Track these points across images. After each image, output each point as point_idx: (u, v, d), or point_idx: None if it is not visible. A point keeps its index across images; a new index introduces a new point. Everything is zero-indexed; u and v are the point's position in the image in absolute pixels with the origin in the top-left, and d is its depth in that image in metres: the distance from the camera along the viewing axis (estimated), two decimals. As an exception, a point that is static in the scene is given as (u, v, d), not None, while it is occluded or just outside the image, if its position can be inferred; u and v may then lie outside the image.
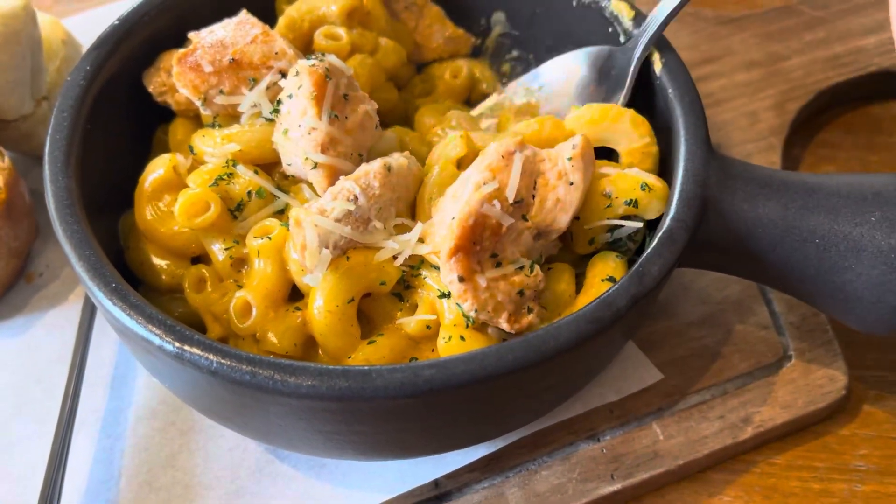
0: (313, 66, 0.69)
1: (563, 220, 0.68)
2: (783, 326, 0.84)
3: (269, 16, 0.86)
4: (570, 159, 0.67)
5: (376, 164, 0.67)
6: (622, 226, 0.69)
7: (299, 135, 0.69)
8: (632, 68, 0.76)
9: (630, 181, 0.69)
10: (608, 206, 0.69)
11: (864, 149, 1.03)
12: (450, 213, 0.64)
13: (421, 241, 0.66)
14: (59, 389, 0.78)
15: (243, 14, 0.78)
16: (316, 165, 0.67)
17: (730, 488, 0.78)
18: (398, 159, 0.69)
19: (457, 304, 0.63)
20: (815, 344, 0.82)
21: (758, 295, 0.85)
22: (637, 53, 0.75)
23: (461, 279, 0.62)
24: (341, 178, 0.67)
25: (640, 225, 0.69)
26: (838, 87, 1.03)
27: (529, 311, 0.65)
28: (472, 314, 0.63)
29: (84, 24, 1.04)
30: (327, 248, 0.64)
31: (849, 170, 1.01)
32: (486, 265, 0.63)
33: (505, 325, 0.63)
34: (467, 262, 0.62)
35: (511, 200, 0.64)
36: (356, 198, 0.65)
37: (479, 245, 0.63)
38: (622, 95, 0.76)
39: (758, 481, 0.78)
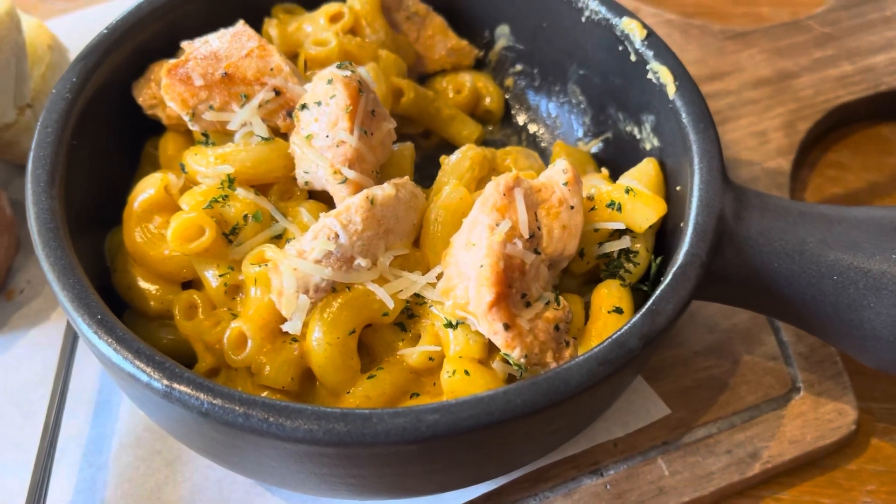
0: (348, 77, 0.67)
1: (572, 246, 0.66)
2: (792, 357, 0.81)
3: (261, 28, 0.82)
4: (565, 184, 0.66)
5: (357, 199, 0.64)
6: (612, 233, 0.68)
7: (326, 145, 0.66)
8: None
9: (614, 187, 0.69)
10: (591, 209, 0.69)
11: (873, 170, 1.01)
12: (467, 262, 0.61)
13: (430, 285, 0.64)
14: (38, 413, 0.75)
15: (240, 25, 0.75)
16: (346, 180, 0.65)
17: (735, 525, 0.76)
18: (385, 189, 0.66)
19: (504, 354, 0.61)
20: (824, 376, 0.80)
21: (766, 324, 0.83)
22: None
23: (507, 327, 0.59)
24: (322, 214, 0.65)
25: (628, 243, 0.67)
26: (848, 107, 1.01)
27: (567, 344, 0.63)
28: (523, 361, 0.60)
29: (70, 26, 1.00)
30: (306, 293, 0.61)
31: (856, 190, 0.99)
32: (519, 307, 0.61)
33: (552, 364, 0.61)
34: (507, 308, 0.60)
35: (526, 236, 0.61)
36: (337, 236, 0.62)
37: (514, 287, 0.60)
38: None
39: (764, 517, 0.76)
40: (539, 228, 0.63)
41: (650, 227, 0.69)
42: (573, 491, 0.73)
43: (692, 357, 0.81)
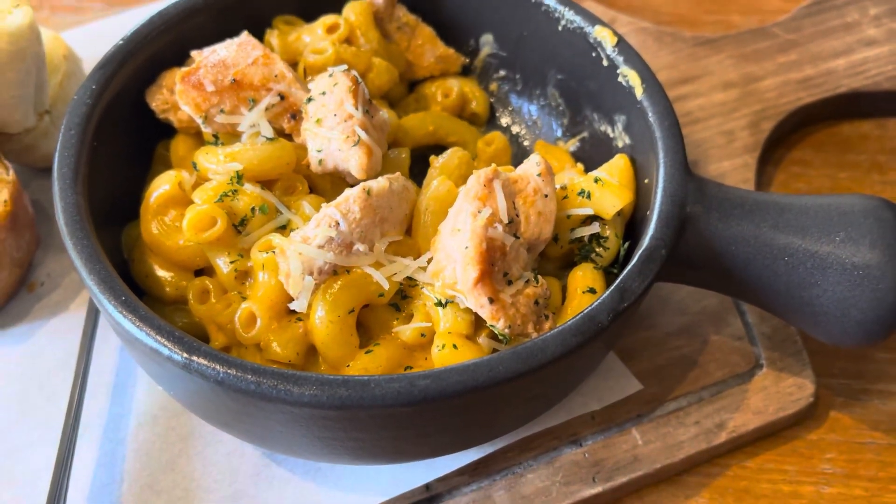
0: (346, 69, 0.78)
1: (547, 230, 0.73)
2: (756, 337, 0.88)
3: (263, 38, 0.89)
4: (539, 175, 0.73)
5: (356, 190, 0.71)
6: (584, 220, 0.75)
7: (335, 122, 0.75)
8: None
9: (585, 178, 0.76)
10: (564, 198, 0.76)
11: (835, 166, 1.08)
12: (453, 246, 0.68)
13: (421, 268, 0.71)
14: (61, 396, 0.81)
15: (245, 35, 0.82)
16: (359, 140, 0.73)
17: (705, 491, 0.82)
18: (379, 182, 0.73)
19: (490, 325, 0.67)
20: (785, 354, 0.87)
21: (732, 307, 0.90)
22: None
23: (491, 301, 0.66)
24: (323, 205, 0.71)
25: (598, 229, 0.74)
26: (810, 107, 1.08)
27: (546, 318, 0.69)
28: (507, 331, 0.67)
29: (82, 38, 1.07)
30: (311, 274, 0.67)
31: (819, 186, 1.06)
32: (502, 284, 0.68)
33: (533, 334, 0.68)
34: (491, 284, 0.67)
35: (505, 221, 0.68)
36: (338, 223, 0.68)
37: (496, 266, 0.67)
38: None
39: (731, 484, 0.83)
40: (517, 215, 0.70)
41: (618, 214, 0.76)
42: (555, 459, 0.80)
43: (665, 338, 0.88)
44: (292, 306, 0.68)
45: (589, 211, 0.74)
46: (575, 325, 0.64)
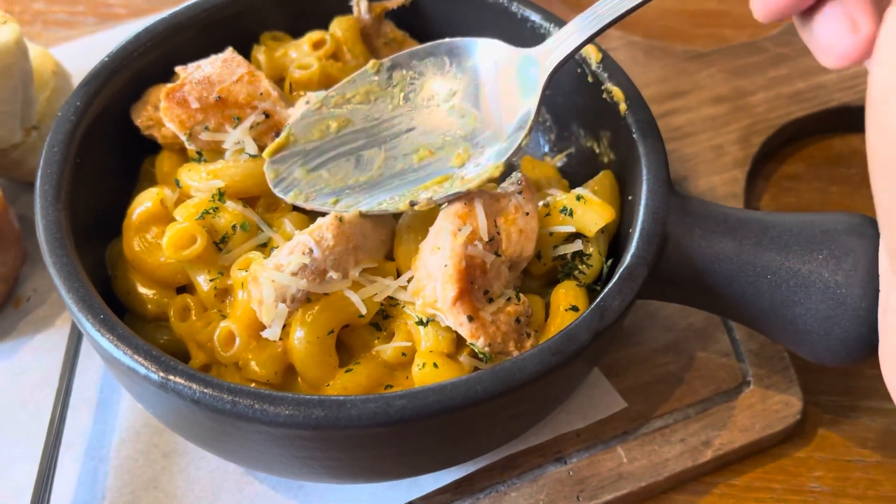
0: None
1: (529, 248, 0.73)
2: (743, 354, 0.88)
3: (250, 54, 0.89)
4: (520, 194, 0.73)
5: (328, 218, 0.71)
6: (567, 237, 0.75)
7: None
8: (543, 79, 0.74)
9: (567, 196, 0.76)
10: (546, 215, 0.75)
11: (825, 181, 1.07)
12: (434, 264, 0.68)
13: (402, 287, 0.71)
14: (44, 412, 0.81)
15: (229, 52, 0.82)
16: None
17: (691, 509, 0.82)
18: (350, 211, 0.72)
19: (470, 344, 0.67)
20: (772, 371, 0.86)
21: (719, 324, 0.89)
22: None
23: (470, 318, 0.66)
24: (296, 232, 0.71)
25: (580, 246, 0.74)
26: (800, 122, 1.08)
27: (528, 335, 0.69)
28: (487, 349, 0.67)
29: (73, 53, 1.07)
30: (284, 302, 0.67)
31: (809, 200, 1.06)
32: (482, 302, 0.67)
33: (515, 352, 0.68)
34: (471, 302, 0.66)
35: (486, 239, 0.68)
36: (311, 251, 0.68)
37: (476, 284, 0.67)
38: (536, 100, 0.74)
39: (718, 502, 0.82)
40: (498, 233, 0.70)
41: (601, 231, 0.75)
42: (539, 477, 0.79)
43: (651, 354, 0.88)
44: (264, 334, 0.68)
45: (571, 229, 0.74)
46: (554, 344, 0.64)
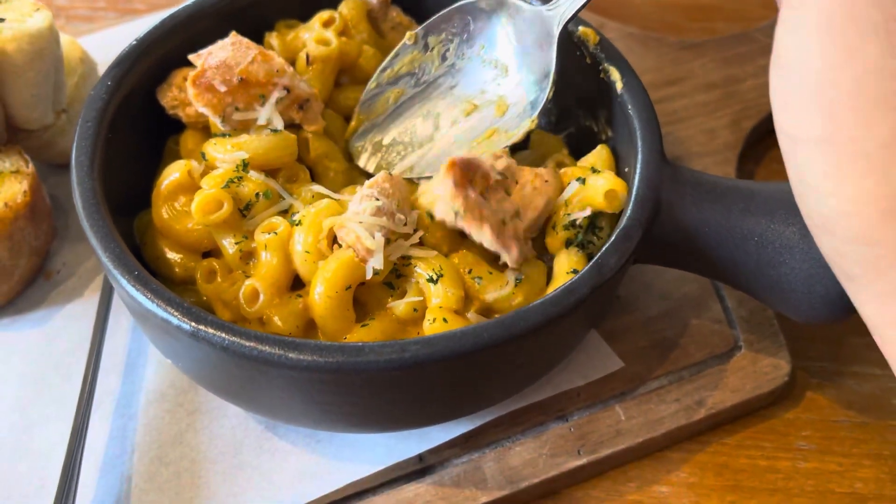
0: None
1: (539, 202, 0.78)
2: (734, 320, 0.92)
3: (260, 39, 0.94)
4: (544, 167, 0.79)
5: (382, 173, 0.78)
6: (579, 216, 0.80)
7: None
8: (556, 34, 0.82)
9: (580, 167, 0.83)
10: (561, 185, 0.81)
11: (812, 163, 1.12)
12: (436, 186, 0.76)
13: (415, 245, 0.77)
14: (76, 375, 0.86)
15: (233, 36, 0.86)
16: None
17: (685, 466, 0.86)
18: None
19: (451, 206, 0.73)
20: (762, 336, 0.91)
21: (712, 292, 0.94)
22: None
23: (455, 184, 0.72)
24: (358, 187, 0.79)
25: (589, 212, 0.78)
26: (789, 107, 1.12)
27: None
28: (462, 211, 0.72)
29: (97, 43, 1.13)
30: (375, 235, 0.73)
31: (799, 182, 1.11)
32: (478, 199, 0.74)
33: (514, 249, 0.74)
34: (462, 177, 0.73)
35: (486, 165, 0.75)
36: (377, 199, 0.74)
37: (472, 181, 0.73)
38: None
39: (710, 459, 0.87)
40: (506, 178, 0.77)
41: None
42: (542, 433, 0.84)
43: (647, 321, 0.93)
44: (370, 264, 0.72)
45: (587, 212, 0.78)
46: (555, 296, 0.69)
